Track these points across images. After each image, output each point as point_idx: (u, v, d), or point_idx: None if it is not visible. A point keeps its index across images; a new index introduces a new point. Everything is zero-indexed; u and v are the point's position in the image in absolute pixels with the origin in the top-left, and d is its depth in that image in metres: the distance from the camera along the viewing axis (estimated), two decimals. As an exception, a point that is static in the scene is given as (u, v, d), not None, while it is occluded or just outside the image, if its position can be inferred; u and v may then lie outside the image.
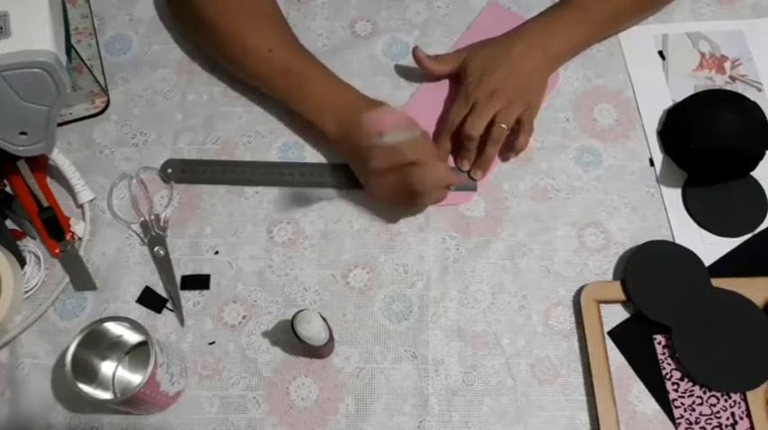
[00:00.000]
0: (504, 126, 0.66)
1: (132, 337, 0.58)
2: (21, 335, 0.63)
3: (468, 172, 0.70)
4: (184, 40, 0.78)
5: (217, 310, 0.64)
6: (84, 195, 0.68)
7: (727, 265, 0.66)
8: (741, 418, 0.60)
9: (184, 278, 0.66)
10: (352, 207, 0.69)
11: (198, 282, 0.65)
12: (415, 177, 0.61)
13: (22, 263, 0.65)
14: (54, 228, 0.66)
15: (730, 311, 0.62)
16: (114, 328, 0.56)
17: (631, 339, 0.63)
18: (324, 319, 0.56)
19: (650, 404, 0.60)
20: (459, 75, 0.72)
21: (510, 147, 0.69)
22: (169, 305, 0.65)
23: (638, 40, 0.78)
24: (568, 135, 0.73)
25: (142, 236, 0.67)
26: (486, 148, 0.68)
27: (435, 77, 0.75)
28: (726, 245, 0.67)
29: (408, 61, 0.75)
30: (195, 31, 0.74)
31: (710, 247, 0.66)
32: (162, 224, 0.68)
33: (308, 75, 0.68)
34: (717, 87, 0.74)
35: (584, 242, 0.67)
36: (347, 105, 0.66)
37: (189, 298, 0.65)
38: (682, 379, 0.61)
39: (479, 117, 0.66)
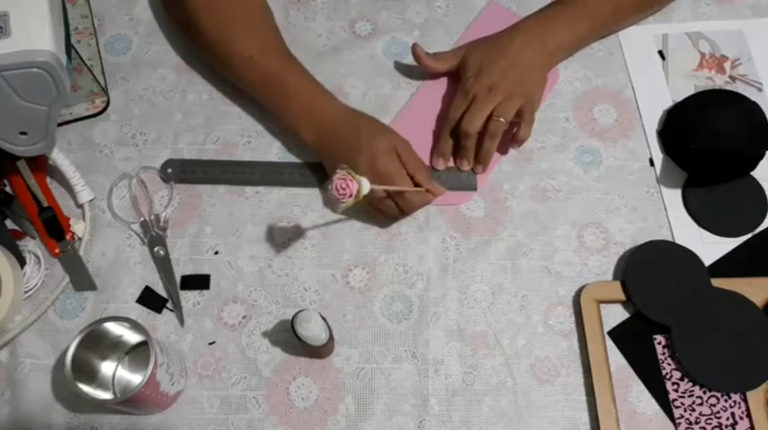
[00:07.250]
0: (501, 120, 0.66)
1: (132, 337, 0.58)
2: (21, 335, 0.63)
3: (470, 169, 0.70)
4: (184, 40, 0.78)
5: (217, 310, 0.64)
6: (84, 195, 0.68)
7: (727, 265, 0.66)
8: (741, 418, 0.60)
9: (184, 278, 0.66)
10: (352, 207, 0.69)
11: (198, 281, 0.65)
12: (402, 205, 0.63)
13: (22, 263, 0.65)
14: (54, 228, 0.66)
15: (730, 311, 0.62)
16: (114, 328, 0.56)
17: (631, 339, 0.63)
18: (324, 319, 0.56)
19: (650, 404, 0.60)
20: (459, 72, 0.72)
21: (512, 139, 0.69)
22: (169, 305, 0.65)
23: (638, 39, 0.78)
24: (568, 135, 0.73)
25: (142, 236, 0.67)
26: (485, 142, 0.67)
27: (435, 75, 0.75)
28: (726, 245, 0.67)
29: (408, 61, 0.75)
30: (186, 33, 0.74)
31: (710, 247, 0.66)
32: (162, 224, 0.68)
33: (288, 84, 0.67)
34: (717, 87, 0.74)
35: (584, 242, 0.67)
36: (325, 118, 0.66)
37: (189, 298, 0.65)
38: (682, 379, 0.61)
39: (476, 113, 0.66)
